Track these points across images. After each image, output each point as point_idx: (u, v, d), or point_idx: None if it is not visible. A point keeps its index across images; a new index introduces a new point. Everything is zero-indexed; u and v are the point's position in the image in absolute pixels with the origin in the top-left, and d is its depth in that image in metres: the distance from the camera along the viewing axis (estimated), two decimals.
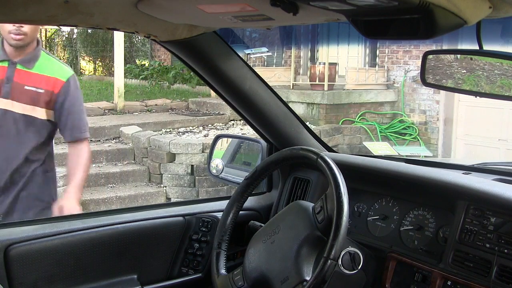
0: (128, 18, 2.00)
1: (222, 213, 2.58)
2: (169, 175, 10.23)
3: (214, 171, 3.25)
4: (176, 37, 2.26)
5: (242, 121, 9.55)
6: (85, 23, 1.99)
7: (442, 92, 11.67)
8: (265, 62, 15.16)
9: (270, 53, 14.69)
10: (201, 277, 2.79)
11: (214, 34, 2.45)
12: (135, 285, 2.64)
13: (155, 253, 2.72)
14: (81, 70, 22.59)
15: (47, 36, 22.79)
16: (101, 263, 2.57)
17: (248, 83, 2.68)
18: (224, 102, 2.86)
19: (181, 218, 2.81)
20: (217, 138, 3.30)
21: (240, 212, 2.53)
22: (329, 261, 1.91)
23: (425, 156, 11.08)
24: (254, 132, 3.05)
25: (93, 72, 21.97)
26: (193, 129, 12.32)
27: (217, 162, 3.24)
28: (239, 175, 3.14)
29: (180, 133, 11.84)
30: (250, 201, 2.89)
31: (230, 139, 3.36)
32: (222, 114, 12.99)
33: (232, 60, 2.60)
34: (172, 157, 10.31)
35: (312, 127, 11.29)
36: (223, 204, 2.70)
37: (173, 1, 1.80)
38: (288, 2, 1.47)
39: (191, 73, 3.03)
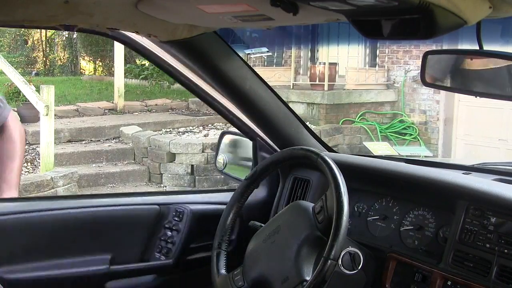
0: (128, 18, 2.00)
1: (195, 204, 2.91)
2: (169, 175, 10.25)
3: (219, 166, 3.32)
4: (176, 37, 2.26)
5: None
6: (85, 23, 1.99)
7: (442, 92, 11.68)
8: (265, 62, 15.17)
9: (270, 53, 14.69)
10: (171, 263, 2.88)
11: (214, 34, 2.44)
12: (108, 264, 2.75)
13: (130, 237, 2.85)
14: (81, 70, 22.59)
15: (47, 36, 22.80)
16: (76, 241, 2.73)
17: (248, 83, 2.68)
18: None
19: (156, 207, 2.93)
20: (223, 134, 3.35)
21: (219, 206, 2.78)
22: (329, 261, 1.92)
23: (425, 156, 11.09)
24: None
25: (93, 72, 21.96)
26: (193, 129, 12.34)
27: (222, 158, 3.31)
28: (240, 171, 3.22)
29: (180, 133, 11.86)
30: None
31: (234, 136, 3.39)
32: None
33: (232, 60, 2.61)
34: (172, 157, 10.32)
35: (312, 127, 11.29)
36: (197, 197, 3.04)
37: (173, 1, 1.80)
38: (288, 2, 1.47)
39: None
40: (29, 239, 2.63)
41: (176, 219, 2.92)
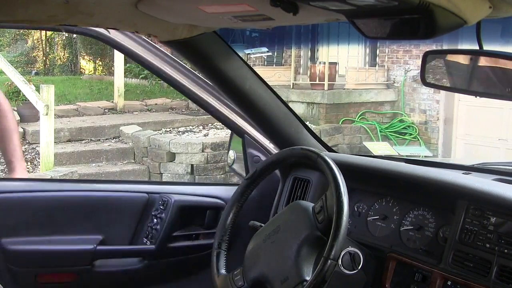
0: (128, 18, 2.00)
1: (180, 195, 3.11)
2: (169, 175, 10.24)
3: (229, 161, 3.44)
4: (176, 37, 2.26)
5: None
6: (85, 23, 2.00)
7: (442, 91, 11.67)
8: (265, 62, 15.15)
9: (270, 53, 14.68)
10: (153, 248, 3.06)
11: (214, 34, 2.45)
12: (97, 244, 2.96)
13: (120, 221, 3.07)
14: (81, 70, 22.57)
15: (47, 35, 22.80)
16: (72, 221, 2.97)
17: (248, 83, 2.68)
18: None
19: (145, 195, 3.13)
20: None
21: (204, 198, 3.06)
22: (329, 261, 1.91)
23: (425, 156, 11.08)
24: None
25: (93, 72, 21.95)
26: (193, 129, 12.33)
27: (231, 154, 3.40)
28: (243, 168, 3.27)
29: (180, 133, 11.85)
30: (220, 190, 3.28)
31: None
32: None
33: (232, 60, 2.61)
34: (172, 157, 10.32)
35: (312, 126, 11.30)
36: (184, 188, 3.25)
37: (173, 1, 1.80)
38: (288, 2, 1.47)
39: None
40: (30, 215, 2.89)
41: (161, 207, 3.09)
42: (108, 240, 3.01)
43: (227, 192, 3.18)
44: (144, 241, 3.08)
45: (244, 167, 3.19)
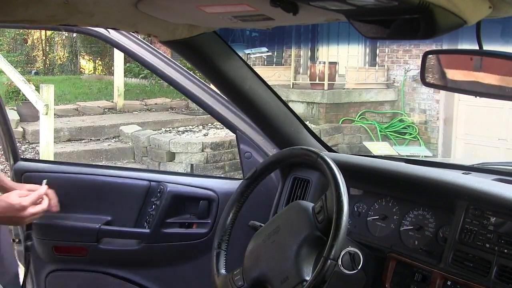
0: (128, 18, 2.00)
1: (176, 185, 3.28)
2: None
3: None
4: (176, 37, 2.26)
5: None
6: (85, 23, 2.00)
7: (442, 91, 11.67)
8: (265, 61, 15.16)
9: (269, 53, 14.69)
10: (148, 232, 3.25)
11: (214, 34, 2.45)
12: (102, 224, 3.23)
13: (125, 204, 3.30)
14: (80, 69, 22.58)
15: (47, 35, 22.80)
16: (84, 201, 3.27)
17: (248, 83, 2.69)
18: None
19: (146, 182, 3.32)
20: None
21: (198, 189, 3.20)
22: (329, 261, 1.91)
23: (425, 156, 11.08)
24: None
25: (92, 71, 21.96)
26: (193, 128, 12.34)
27: None
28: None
29: (180, 132, 11.86)
30: (214, 182, 3.38)
31: None
32: None
33: (232, 60, 2.61)
34: (171, 156, 10.32)
35: (312, 126, 11.30)
36: (182, 179, 3.38)
37: (173, 1, 1.80)
38: (288, 2, 1.47)
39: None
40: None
41: (158, 195, 3.28)
42: (115, 221, 3.28)
43: (220, 185, 3.34)
44: (144, 225, 3.30)
45: (240, 163, 3.30)
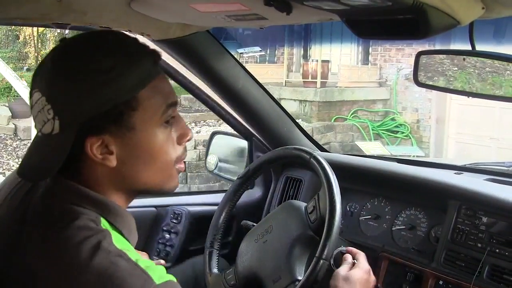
0: (121, 17, 1.99)
1: (193, 206, 2.91)
2: None
3: (209, 166, 3.31)
4: (169, 36, 2.26)
5: None
6: (78, 21, 1.99)
7: (434, 91, 11.70)
8: (258, 59, 15.17)
9: (262, 52, 14.70)
10: (170, 266, 2.83)
11: (207, 33, 2.45)
12: None
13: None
14: None
15: (39, 31, 22.73)
16: None
17: (241, 82, 2.68)
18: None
19: (153, 209, 2.92)
20: (213, 134, 3.33)
21: (212, 206, 2.76)
22: (321, 261, 1.91)
23: (417, 156, 11.11)
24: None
25: None
26: None
27: (212, 158, 3.29)
28: (231, 171, 3.21)
29: None
30: None
31: (225, 136, 3.38)
32: None
33: (225, 59, 2.61)
34: None
35: (304, 124, 11.31)
36: (195, 198, 3.03)
37: (166, 0, 1.80)
38: (282, 1, 1.46)
39: None
40: None
41: (174, 221, 2.91)
42: None
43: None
44: (155, 259, 2.77)
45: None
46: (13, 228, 1.39)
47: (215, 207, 2.74)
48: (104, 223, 1.36)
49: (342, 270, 1.93)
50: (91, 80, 1.30)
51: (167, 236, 2.90)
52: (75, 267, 1.25)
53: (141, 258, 1.30)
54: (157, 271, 1.29)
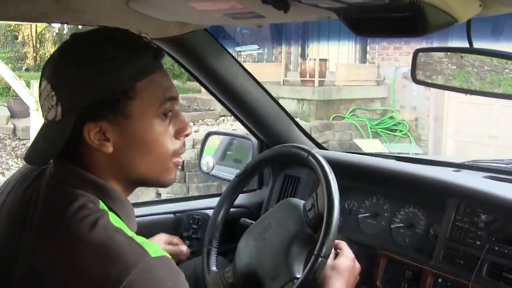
0: (119, 16, 1.99)
1: (212, 210, 2.61)
2: None
3: (205, 168, 3.25)
4: (167, 35, 2.27)
5: (232, 117, 9.72)
6: (76, 20, 2.00)
7: (433, 89, 11.69)
8: (256, 58, 15.16)
9: (260, 51, 14.69)
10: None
11: (205, 32, 2.45)
12: None
13: None
14: None
15: (37, 31, 22.72)
16: None
17: (239, 80, 2.68)
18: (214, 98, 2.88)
19: (171, 215, 2.86)
20: (208, 135, 3.30)
21: (231, 209, 2.56)
22: (320, 259, 1.91)
23: (415, 154, 11.10)
24: (244, 129, 3.05)
25: None
26: None
27: (208, 159, 3.24)
28: (229, 172, 3.15)
29: None
30: (241, 198, 2.92)
31: (221, 136, 3.36)
32: (213, 110, 12.99)
33: (223, 58, 2.61)
34: None
35: (302, 123, 11.30)
36: (214, 201, 2.70)
37: None
38: None
39: (181, 69, 3.06)
40: None
41: (195, 226, 2.84)
42: None
43: (249, 199, 3.06)
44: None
45: (258, 175, 3.07)
46: (22, 209, 1.45)
47: (237, 209, 2.81)
48: (102, 206, 1.40)
49: (328, 260, 1.95)
50: (92, 68, 1.36)
51: (187, 242, 2.77)
52: (73, 241, 1.30)
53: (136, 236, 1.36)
54: (152, 246, 1.33)
